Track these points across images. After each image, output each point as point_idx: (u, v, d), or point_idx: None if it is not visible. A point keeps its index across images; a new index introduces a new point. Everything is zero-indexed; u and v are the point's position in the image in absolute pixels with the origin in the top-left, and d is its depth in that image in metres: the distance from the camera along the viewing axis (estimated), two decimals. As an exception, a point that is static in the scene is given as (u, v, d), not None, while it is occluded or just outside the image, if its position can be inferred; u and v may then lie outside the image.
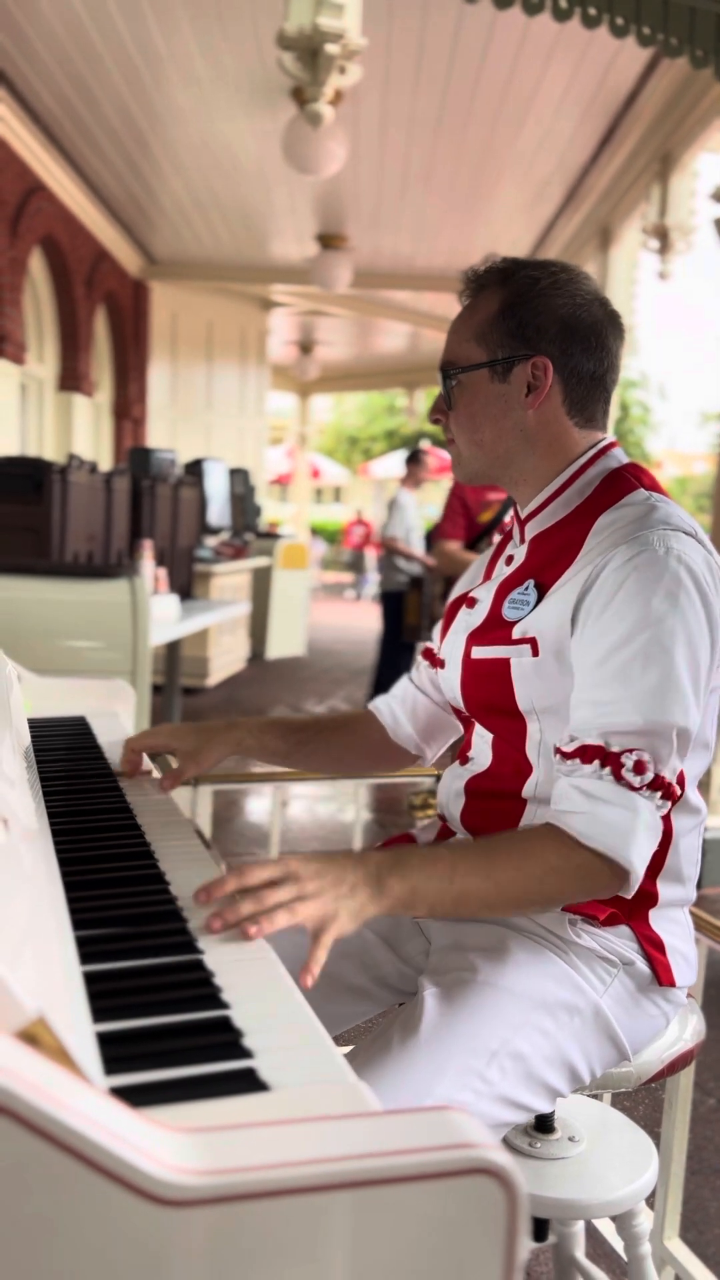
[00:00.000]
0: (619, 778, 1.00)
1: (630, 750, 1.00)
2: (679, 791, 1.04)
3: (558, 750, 1.06)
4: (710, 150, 4.95)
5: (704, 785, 3.64)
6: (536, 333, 1.15)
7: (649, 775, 1.00)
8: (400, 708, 1.42)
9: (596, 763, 1.01)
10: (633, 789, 1.00)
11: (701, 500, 21.43)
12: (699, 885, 4.04)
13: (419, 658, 1.42)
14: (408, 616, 5.85)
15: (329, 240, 7.67)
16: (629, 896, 1.03)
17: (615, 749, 1.00)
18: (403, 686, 1.43)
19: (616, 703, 1.01)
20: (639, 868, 1.00)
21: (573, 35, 4.41)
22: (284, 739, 1.36)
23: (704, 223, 5.06)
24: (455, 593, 1.37)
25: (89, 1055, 0.63)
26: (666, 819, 1.14)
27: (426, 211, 7.14)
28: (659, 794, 1.01)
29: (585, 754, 1.02)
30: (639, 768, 1.00)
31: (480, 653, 1.20)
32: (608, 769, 1.00)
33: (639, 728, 1.00)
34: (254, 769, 1.87)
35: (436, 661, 1.36)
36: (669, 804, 1.03)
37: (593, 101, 5.20)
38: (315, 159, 4.76)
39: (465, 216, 7.20)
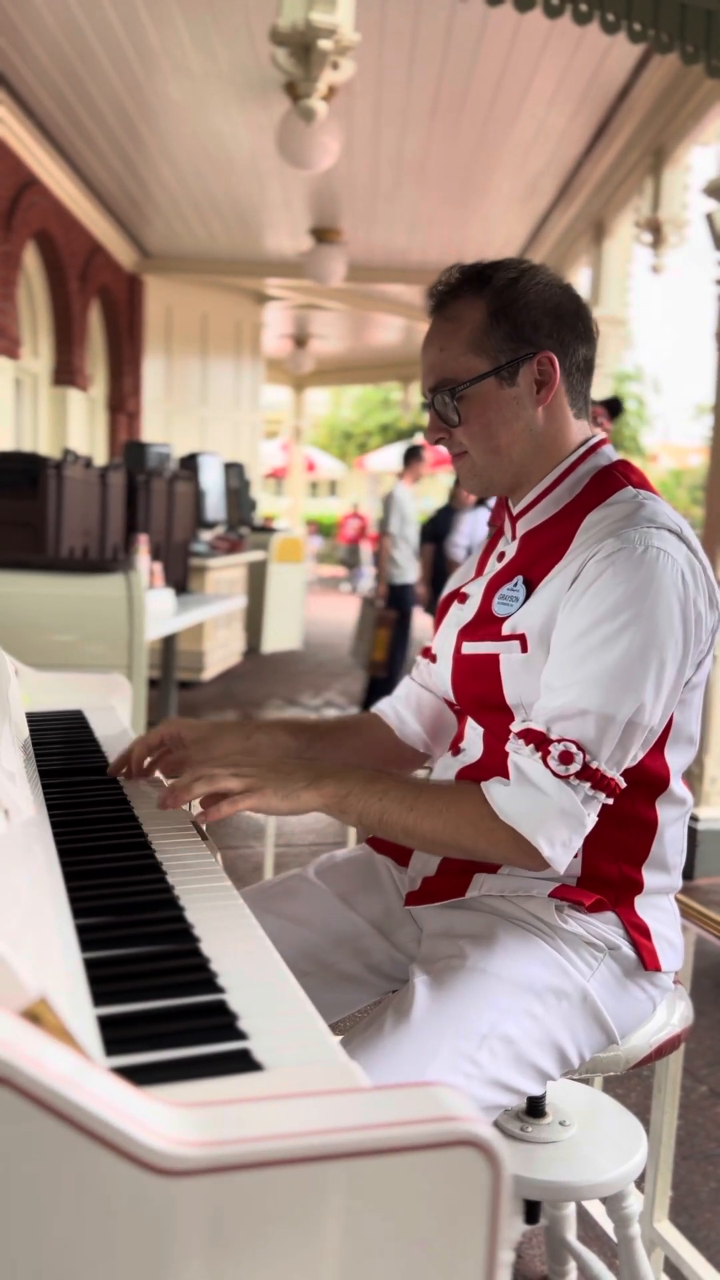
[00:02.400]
0: (545, 764, 1.03)
1: (563, 739, 1.03)
2: (619, 784, 1.06)
3: (509, 730, 1.11)
4: (703, 144, 4.97)
5: (696, 778, 3.67)
6: (533, 329, 1.16)
7: (575, 765, 1.03)
8: (405, 707, 1.43)
9: (531, 745, 1.05)
10: (557, 776, 1.03)
11: (696, 493, 21.45)
12: (693, 876, 4.05)
13: (419, 657, 1.44)
14: (375, 653, 5.86)
15: (323, 234, 7.67)
16: (559, 871, 1.07)
17: (553, 735, 1.04)
18: (406, 686, 1.44)
19: (565, 689, 1.04)
20: (547, 850, 1.03)
21: (565, 30, 4.41)
22: (295, 736, 1.36)
23: (696, 216, 5.07)
24: (449, 588, 1.39)
25: (90, 1037, 0.65)
26: (651, 809, 1.16)
27: (420, 205, 7.15)
28: (588, 784, 1.03)
29: (526, 736, 1.07)
30: (565, 757, 1.03)
31: (470, 648, 1.21)
32: (539, 754, 1.04)
33: (578, 713, 1.03)
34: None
35: (432, 657, 1.38)
36: (603, 795, 1.05)
37: (586, 95, 5.20)
38: (309, 153, 4.77)
39: (459, 210, 7.21)
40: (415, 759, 1.45)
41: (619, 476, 1.18)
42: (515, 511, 1.24)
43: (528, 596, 1.15)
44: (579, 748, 1.03)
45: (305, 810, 1.09)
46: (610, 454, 1.23)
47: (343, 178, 6.51)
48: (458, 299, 1.19)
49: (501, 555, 1.27)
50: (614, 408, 3.63)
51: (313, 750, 1.38)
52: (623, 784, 1.06)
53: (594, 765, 1.03)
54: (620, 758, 1.05)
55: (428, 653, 1.40)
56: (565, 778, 1.03)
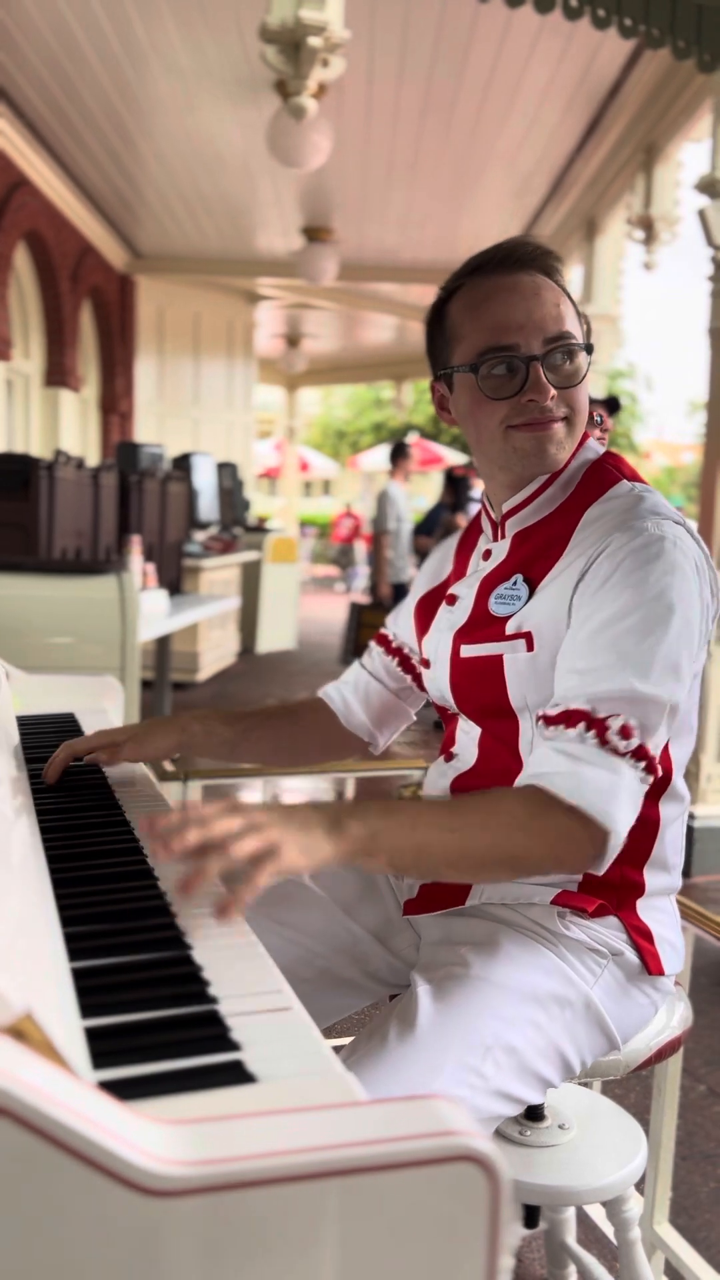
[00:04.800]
0: (604, 741, 0.97)
1: (617, 715, 0.98)
2: (660, 771, 1.02)
3: (540, 717, 1.04)
4: (694, 140, 4.96)
5: (693, 775, 3.66)
6: (585, 325, 1.18)
7: (634, 741, 0.98)
8: (353, 695, 1.40)
9: (581, 725, 0.99)
10: (618, 754, 0.97)
11: (690, 490, 21.47)
12: (690, 874, 4.05)
13: (372, 644, 1.41)
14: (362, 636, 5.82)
15: (315, 233, 7.66)
16: (599, 871, 0.99)
17: (602, 714, 0.98)
18: (354, 673, 1.41)
19: (608, 669, 1.00)
20: (621, 831, 0.96)
21: (556, 25, 4.40)
22: (230, 726, 1.32)
23: (688, 213, 5.06)
24: (417, 589, 1.37)
25: (77, 1050, 0.64)
26: (654, 807, 1.14)
27: (412, 204, 7.14)
28: (643, 765, 0.99)
29: (570, 719, 1.00)
30: (624, 732, 0.98)
31: (470, 651, 1.19)
32: (592, 732, 0.98)
33: (629, 694, 0.98)
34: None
35: (392, 650, 1.35)
36: (651, 779, 1.00)
37: (577, 92, 5.19)
38: (299, 152, 4.75)
39: (450, 208, 7.20)
40: (357, 747, 1.41)
41: (612, 470, 1.17)
42: (505, 510, 1.22)
43: (531, 594, 1.13)
44: (637, 724, 0.98)
45: (330, 864, 0.89)
46: (596, 447, 1.21)
47: (334, 176, 6.50)
48: (554, 269, 1.15)
49: (488, 554, 1.24)
50: (612, 406, 3.62)
51: (249, 740, 1.34)
52: (661, 771, 1.02)
53: (646, 744, 0.99)
54: (661, 742, 1.01)
55: (384, 641, 1.38)
56: (624, 755, 0.98)
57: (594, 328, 6.30)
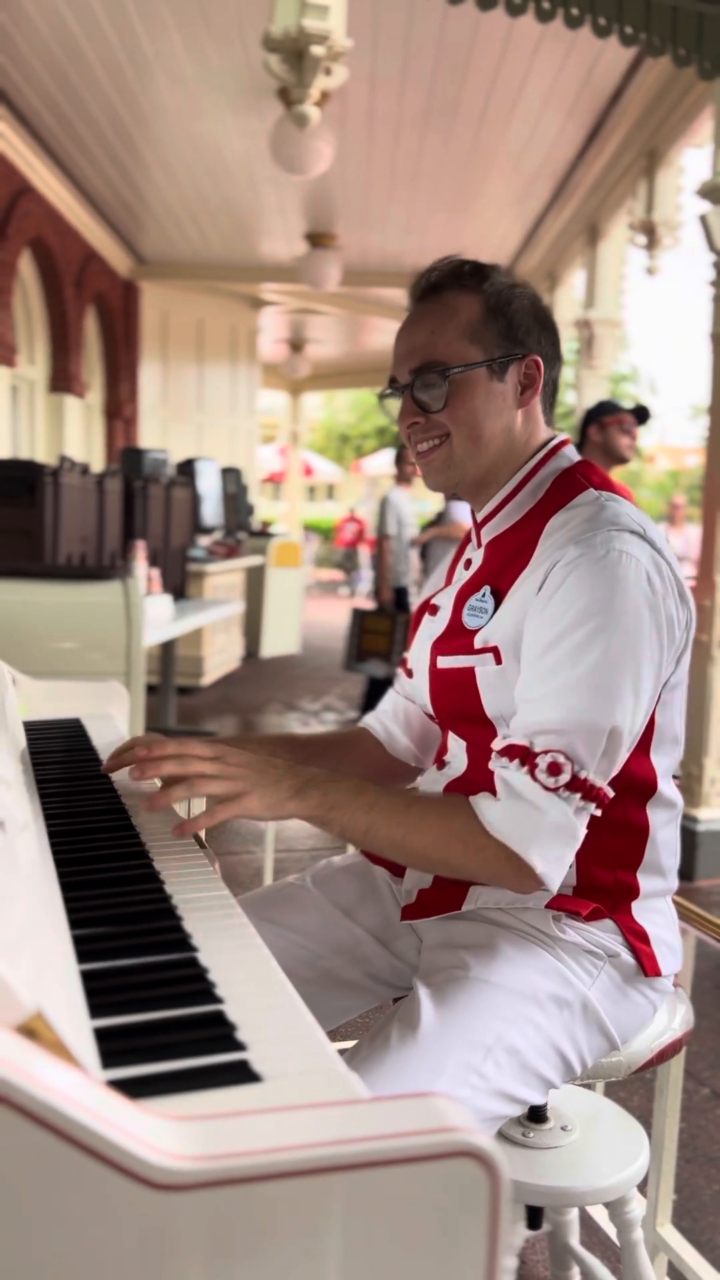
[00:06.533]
0: (534, 777, 1.01)
1: (549, 751, 1.01)
2: (608, 794, 1.04)
3: (491, 748, 1.08)
4: (696, 146, 4.97)
5: (695, 779, 3.67)
6: (525, 333, 1.17)
7: (564, 776, 1.00)
8: (393, 722, 1.42)
9: (517, 761, 1.02)
10: (547, 789, 1.00)
11: (694, 494, 21.46)
12: (694, 878, 4.03)
13: (399, 670, 1.42)
14: (377, 644, 5.80)
15: (318, 239, 7.68)
16: (552, 891, 1.04)
17: (537, 749, 1.01)
18: (391, 700, 1.43)
19: (543, 700, 1.02)
20: (541, 868, 1.01)
21: (558, 32, 4.42)
22: (293, 753, 1.35)
23: (690, 218, 5.08)
24: (422, 595, 1.38)
25: (86, 1049, 0.65)
26: (642, 814, 1.15)
27: (414, 209, 7.15)
28: (578, 795, 1.01)
29: (510, 752, 1.04)
30: (553, 769, 1.00)
31: (445, 662, 1.20)
32: (525, 767, 1.02)
33: (559, 726, 1.01)
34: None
35: (408, 670, 1.37)
36: (592, 806, 1.02)
37: (579, 98, 5.21)
38: (302, 159, 4.77)
39: (453, 214, 7.22)
40: (407, 773, 1.43)
41: (580, 479, 1.17)
42: (480, 518, 1.23)
43: (496, 607, 1.14)
44: (566, 758, 1.01)
45: (287, 818, 1.05)
46: (571, 455, 1.22)
47: (337, 183, 6.52)
48: (453, 288, 1.18)
49: (469, 563, 1.26)
50: (641, 415, 3.61)
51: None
52: (611, 793, 1.04)
53: (582, 775, 1.01)
54: (606, 767, 1.03)
55: (405, 665, 1.39)
56: (555, 790, 1.00)
57: (597, 332, 6.32)
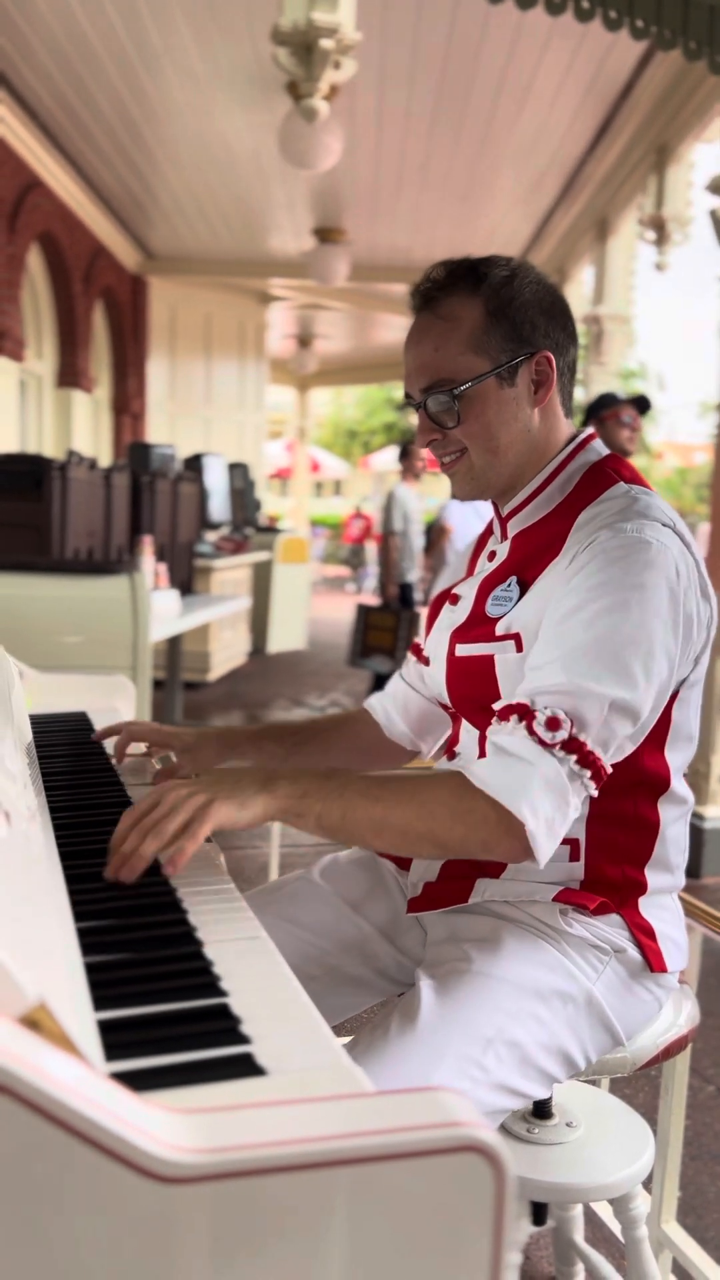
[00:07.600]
0: (530, 731, 0.99)
1: (548, 707, 0.99)
2: (605, 769, 1.01)
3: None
4: (706, 141, 4.95)
5: (703, 776, 3.66)
6: (531, 329, 1.15)
7: (562, 733, 0.98)
8: (393, 705, 1.43)
9: (514, 718, 1.01)
10: (543, 744, 0.98)
11: (702, 491, 21.39)
12: (700, 875, 4.02)
13: (409, 654, 1.43)
14: (381, 640, 5.79)
15: (326, 234, 7.66)
16: (539, 865, 1.00)
17: (537, 706, 1.00)
18: (394, 684, 1.44)
19: (549, 664, 1.02)
20: (531, 822, 0.96)
21: (568, 25, 4.40)
22: (281, 743, 1.36)
23: (700, 214, 5.06)
24: (438, 588, 1.39)
25: (90, 1042, 0.65)
26: (654, 809, 1.15)
27: (423, 204, 7.14)
28: (574, 758, 0.98)
29: (508, 711, 1.02)
30: (552, 723, 0.98)
31: (464, 650, 1.20)
32: (522, 723, 1.00)
33: (562, 687, 0.99)
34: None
35: (423, 658, 1.36)
36: (588, 775, 1.00)
37: (589, 92, 5.19)
38: (311, 154, 4.76)
39: (462, 208, 7.20)
40: (402, 755, 1.45)
41: (610, 473, 1.17)
42: (506, 512, 1.23)
43: (521, 596, 1.14)
44: (567, 716, 0.99)
45: (262, 819, 0.98)
46: (600, 449, 1.22)
47: (345, 177, 6.51)
48: (451, 296, 1.16)
49: (492, 555, 1.26)
50: (642, 405, 3.61)
51: (301, 754, 1.38)
52: (609, 769, 1.02)
53: (581, 738, 0.99)
54: (606, 738, 1.01)
55: (417, 649, 1.39)
56: (551, 746, 0.98)
57: (606, 328, 6.30)
